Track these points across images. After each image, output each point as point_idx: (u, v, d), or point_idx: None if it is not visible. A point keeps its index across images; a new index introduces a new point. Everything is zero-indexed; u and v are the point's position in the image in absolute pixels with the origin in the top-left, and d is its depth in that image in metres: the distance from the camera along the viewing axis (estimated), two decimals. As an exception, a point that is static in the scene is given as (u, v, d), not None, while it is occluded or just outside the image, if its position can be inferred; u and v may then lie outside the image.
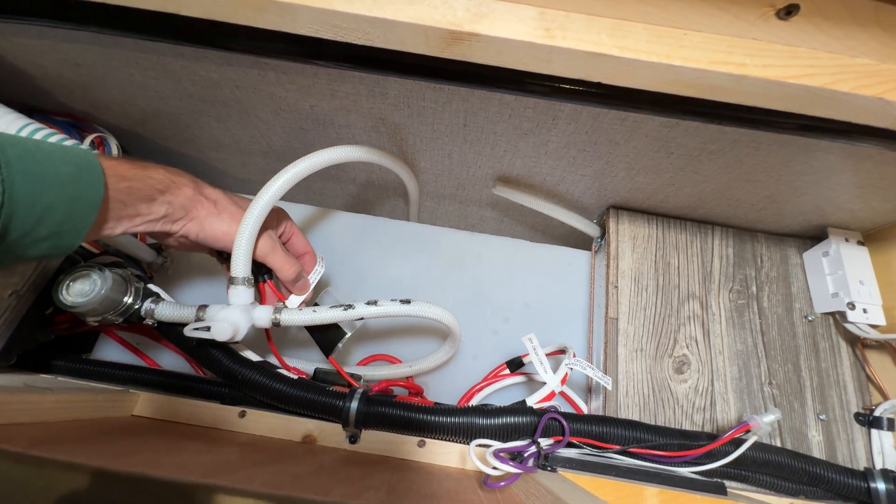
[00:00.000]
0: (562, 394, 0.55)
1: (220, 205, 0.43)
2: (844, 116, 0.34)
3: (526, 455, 0.40)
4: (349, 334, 0.48)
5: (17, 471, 0.16)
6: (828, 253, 0.58)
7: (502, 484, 0.38)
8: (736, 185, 0.54)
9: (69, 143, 0.48)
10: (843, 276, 0.55)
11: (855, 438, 0.52)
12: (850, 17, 0.31)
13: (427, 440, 0.44)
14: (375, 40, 0.32)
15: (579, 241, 0.68)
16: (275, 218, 0.47)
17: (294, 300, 0.48)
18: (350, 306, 0.45)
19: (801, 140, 0.44)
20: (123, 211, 0.36)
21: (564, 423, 0.42)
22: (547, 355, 0.50)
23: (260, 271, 0.47)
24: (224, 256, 0.46)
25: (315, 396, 0.43)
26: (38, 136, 0.46)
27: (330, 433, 0.44)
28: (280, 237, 0.48)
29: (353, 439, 0.43)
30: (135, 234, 0.54)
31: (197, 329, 0.42)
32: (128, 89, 0.53)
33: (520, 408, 0.45)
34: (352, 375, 0.49)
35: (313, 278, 0.50)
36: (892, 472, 0.46)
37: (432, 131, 0.53)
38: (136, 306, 0.44)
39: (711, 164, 0.51)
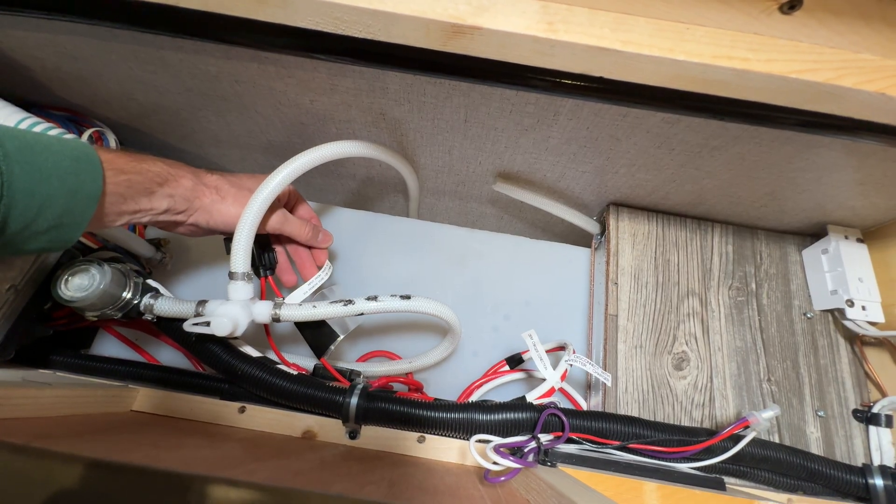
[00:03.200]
0: (561, 390, 0.55)
1: (223, 190, 0.43)
2: (847, 112, 0.33)
3: (526, 450, 0.40)
4: (341, 337, 0.48)
5: (16, 463, 0.16)
6: (827, 250, 0.58)
7: (502, 479, 0.38)
8: (737, 181, 0.54)
9: (68, 136, 0.48)
10: (843, 274, 0.55)
11: (853, 435, 0.52)
12: (854, 12, 0.31)
13: (427, 436, 0.44)
14: (376, 33, 0.32)
15: (579, 238, 0.68)
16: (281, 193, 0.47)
17: (296, 296, 0.47)
18: (350, 302, 0.45)
19: (803, 136, 0.44)
20: (124, 205, 0.36)
21: (564, 418, 0.42)
22: (547, 352, 0.50)
23: (262, 265, 0.47)
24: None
25: (315, 392, 0.43)
26: (35, 129, 0.46)
27: (330, 429, 0.44)
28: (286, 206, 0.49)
29: (353, 435, 0.43)
30: (132, 227, 0.54)
31: (196, 324, 0.42)
32: (126, 83, 0.52)
33: (520, 404, 0.45)
34: (351, 371, 0.49)
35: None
36: (889, 468, 0.46)
37: (433, 127, 0.53)
38: (135, 301, 0.44)
39: (713, 161, 0.51)
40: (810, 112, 0.34)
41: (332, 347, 0.47)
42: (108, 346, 0.53)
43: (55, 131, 0.47)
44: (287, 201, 0.50)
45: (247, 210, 0.42)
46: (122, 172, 0.35)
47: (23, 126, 0.46)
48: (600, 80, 0.34)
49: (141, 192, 0.37)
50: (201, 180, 0.42)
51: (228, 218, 0.43)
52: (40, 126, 0.47)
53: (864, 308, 0.54)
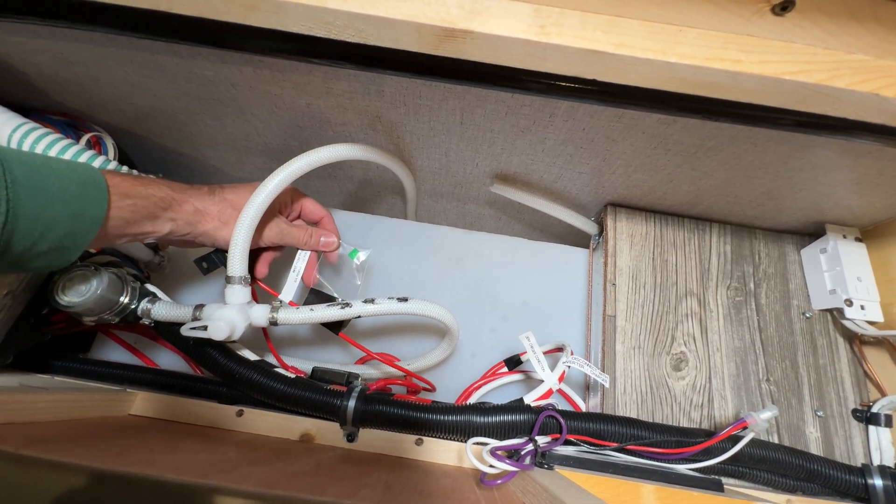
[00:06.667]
0: (559, 391, 0.55)
1: (225, 215, 0.43)
2: (841, 113, 0.33)
3: (523, 453, 0.40)
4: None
5: (6, 470, 0.16)
6: (825, 249, 0.58)
7: (499, 482, 0.38)
8: (734, 181, 0.54)
9: (66, 145, 0.48)
10: (841, 273, 0.55)
11: (852, 435, 0.52)
12: (847, 13, 0.30)
13: (425, 438, 0.44)
14: (369, 38, 0.32)
15: (577, 238, 0.68)
16: (279, 200, 0.47)
17: (288, 291, 0.47)
18: (348, 304, 0.45)
19: (798, 136, 0.44)
20: (127, 228, 0.37)
21: (562, 420, 0.42)
22: (545, 353, 0.51)
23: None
24: (206, 267, 0.47)
25: (312, 395, 0.43)
26: (33, 135, 0.46)
27: (328, 432, 0.44)
28: (289, 216, 0.50)
29: (351, 438, 0.44)
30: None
31: (194, 328, 0.42)
32: (123, 88, 0.52)
33: (517, 406, 0.45)
34: (349, 374, 0.49)
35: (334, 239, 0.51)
36: (889, 468, 0.46)
37: (429, 129, 0.53)
38: (133, 306, 0.44)
39: (709, 161, 0.50)
40: (805, 113, 0.34)
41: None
42: (107, 350, 0.53)
43: (53, 137, 0.47)
44: (290, 204, 0.50)
45: (242, 216, 0.42)
46: (126, 197, 0.36)
47: (20, 133, 0.46)
48: (594, 82, 0.34)
49: (145, 217, 0.38)
50: (204, 205, 0.43)
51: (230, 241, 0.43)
52: (38, 132, 0.47)
53: (862, 307, 0.54)
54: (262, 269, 0.49)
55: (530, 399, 0.47)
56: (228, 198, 0.44)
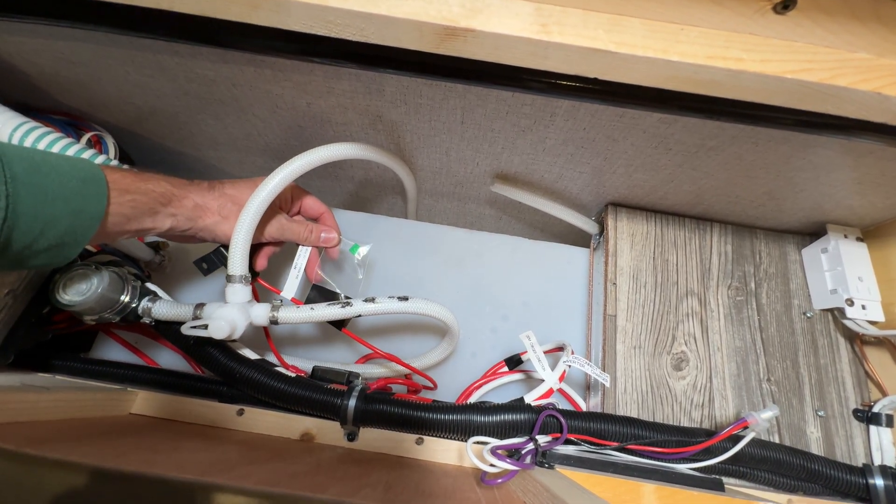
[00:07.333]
0: (560, 391, 0.55)
1: (225, 209, 0.43)
2: (842, 112, 0.33)
3: (523, 452, 0.40)
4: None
5: (8, 469, 0.16)
6: (826, 249, 0.58)
7: (500, 481, 0.38)
8: (735, 181, 0.54)
9: (67, 144, 0.48)
10: (842, 273, 0.55)
11: (853, 435, 0.52)
12: (848, 12, 0.30)
13: (425, 437, 0.44)
14: (370, 36, 0.32)
15: (578, 238, 0.67)
16: (280, 196, 0.47)
17: (290, 287, 0.47)
18: (348, 303, 0.45)
19: (799, 136, 0.44)
20: (128, 224, 0.37)
21: (562, 420, 0.42)
22: (545, 353, 0.50)
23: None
24: (206, 268, 0.48)
25: (313, 394, 0.43)
26: (34, 134, 0.46)
27: (328, 431, 0.44)
28: (290, 212, 0.50)
29: (352, 437, 0.43)
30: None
31: (194, 327, 0.42)
32: (124, 87, 0.52)
33: (518, 405, 0.45)
34: (350, 373, 0.49)
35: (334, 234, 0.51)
36: (890, 468, 0.46)
37: (430, 128, 0.53)
38: (133, 305, 0.44)
39: (710, 161, 0.50)
40: (806, 112, 0.34)
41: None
42: (108, 350, 0.53)
43: (54, 136, 0.47)
44: (290, 201, 0.50)
45: (243, 214, 0.42)
46: (126, 192, 0.36)
47: (20, 132, 0.46)
48: (595, 81, 0.34)
49: (145, 213, 0.38)
50: (204, 200, 0.42)
51: (231, 236, 0.43)
52: (39, 131, 0.47)
53: (863, 307, 0.53)
54: (261, 262, 0.49)
55: (531, 398, 0.47)
56: (228, 193, 0.44)
